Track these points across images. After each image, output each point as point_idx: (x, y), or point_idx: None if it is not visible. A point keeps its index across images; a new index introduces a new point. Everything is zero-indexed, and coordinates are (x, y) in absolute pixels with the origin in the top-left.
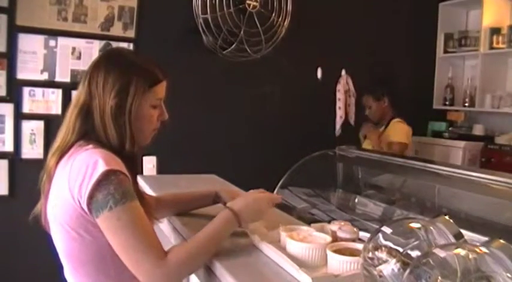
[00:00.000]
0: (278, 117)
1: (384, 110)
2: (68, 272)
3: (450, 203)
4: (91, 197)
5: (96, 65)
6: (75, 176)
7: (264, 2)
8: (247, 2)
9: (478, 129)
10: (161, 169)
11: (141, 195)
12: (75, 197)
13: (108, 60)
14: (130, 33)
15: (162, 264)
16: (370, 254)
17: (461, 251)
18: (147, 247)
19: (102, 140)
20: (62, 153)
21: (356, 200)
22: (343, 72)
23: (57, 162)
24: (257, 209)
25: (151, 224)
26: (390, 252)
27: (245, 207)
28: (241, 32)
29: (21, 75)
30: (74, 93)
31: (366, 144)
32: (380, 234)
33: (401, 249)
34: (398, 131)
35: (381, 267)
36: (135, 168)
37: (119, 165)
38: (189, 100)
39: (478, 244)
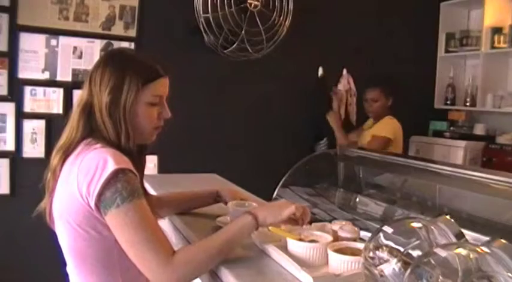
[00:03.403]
0: (279, 117)
1: (387, 108)
2: (72, 268)
3: (451, 203)
4: (100, 195)
5: (96, 65)
6: (84, 174)
7: (265, 1)
8: (249, 1)
9: (479, 129)
10: (162, 168)
11: (146, 193)
12: (83, 194)
13: (107, 59)
14: (132, 33)
15: (168, 262)
16: (371, 254)
17: (463, 251)
18: (154, 245)
19: (105, 137)
20: (67, 152)
21: (357, 200)
22: (345, 71)
23: (63, 161)
24: (275, 211)
25: (157, 222)
26: (391, 251)
27: (264, 209)
28: (243, 32)
29: (22, 74)
30: (78, 93)
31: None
32: (381, 234)
33: (402, 249)
34: (385, 125)
35: (382, 267)
36: (141, 167)
37: (127, 163)
38: (190, 99)
39: (479, 244)
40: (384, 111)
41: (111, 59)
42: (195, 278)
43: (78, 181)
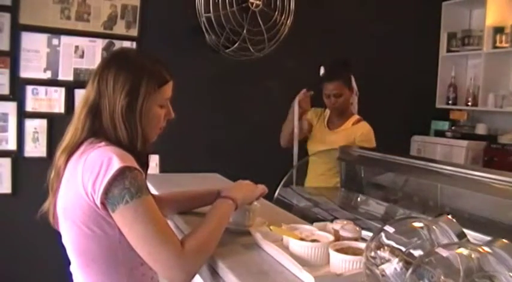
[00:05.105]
0: (281, 116)
1: (349, 102)
2: (76, 268)
3: (453, 202)
4: (106, 193)
5: (106, 65)
6: (89, 173)
7: (267, 1)
8: (250, 0)
9: (480, 129)
10: (164, 168)
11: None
12: (88, 192)
13: (118, 61)
14: (133, 32)
15: (179, 255)
16: (372, 253)
17: (464, 251)
18: (164, 239)
19: (111, 138)
20: (71, 152)
21: (358, 199)
22: None
23: (67, 161)
24: (248, 192)
25: (164, 218)
26: (393, 251)
27: (238, 191)
28: (244, 31)
29: (24, 73)
30: (81, 93)
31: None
32: (383, 234)
33: (403, 249)
34: (371, 135)
35: (383, 267)
36: (146, 166)
37: (132, 162)
38: (191, 99)
39: (480, 243)
40: (349, 106)
41: (123, 61)
42: (203, 264)
43: (83, 179)
